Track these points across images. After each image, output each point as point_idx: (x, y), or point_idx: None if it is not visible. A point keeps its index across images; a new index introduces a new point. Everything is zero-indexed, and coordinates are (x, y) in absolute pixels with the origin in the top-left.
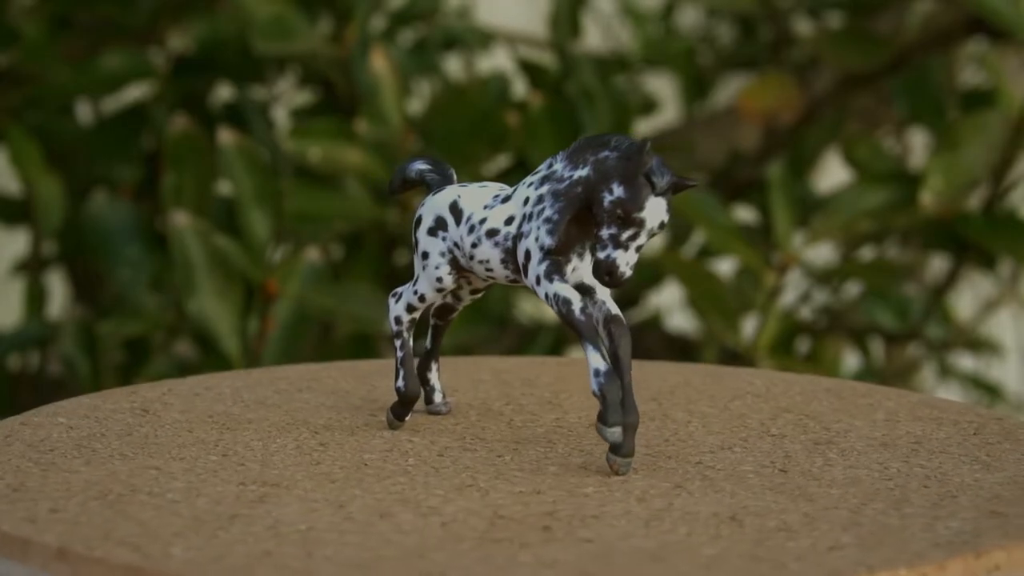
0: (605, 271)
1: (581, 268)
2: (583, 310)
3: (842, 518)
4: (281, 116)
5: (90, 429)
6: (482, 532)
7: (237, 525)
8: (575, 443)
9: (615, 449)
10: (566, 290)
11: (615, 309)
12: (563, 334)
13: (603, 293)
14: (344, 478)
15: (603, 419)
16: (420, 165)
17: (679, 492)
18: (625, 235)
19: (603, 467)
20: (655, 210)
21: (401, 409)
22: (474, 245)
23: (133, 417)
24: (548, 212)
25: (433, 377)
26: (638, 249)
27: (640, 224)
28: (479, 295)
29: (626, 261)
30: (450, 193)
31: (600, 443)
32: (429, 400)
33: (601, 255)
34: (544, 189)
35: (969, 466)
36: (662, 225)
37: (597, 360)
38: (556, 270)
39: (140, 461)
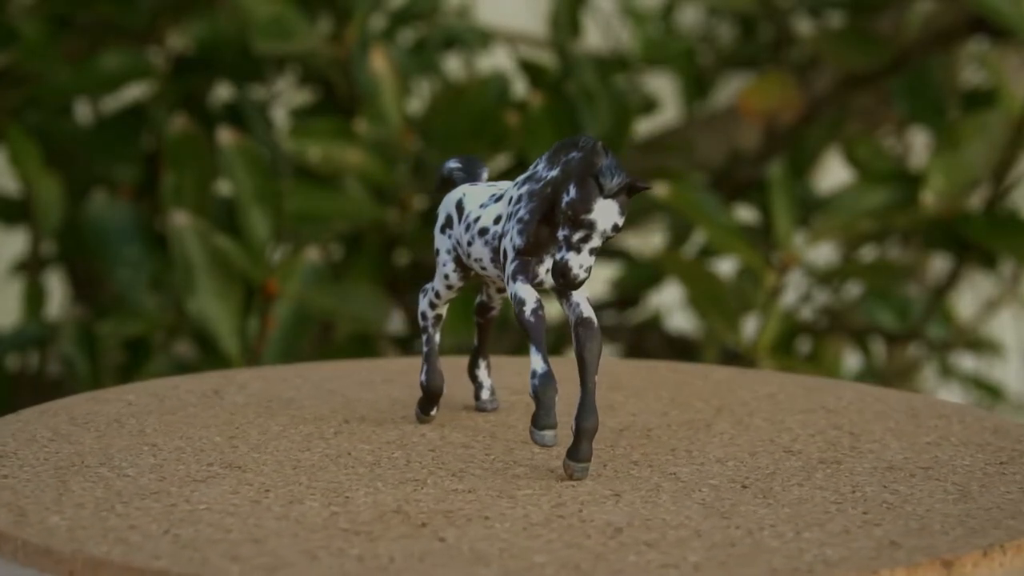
0: (559, 273)
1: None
2: (535, 311)
3: (726, 537)
4: (281, 116)
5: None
6: (350, 525)
7: (148, 500)
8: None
9: (571, 454)
10: (524, 291)
11: (587, 312)
12: (563, 334)
13: (579, 295)
14: (311, 466)
15: (534, 422)
16: (451, 164)
17: (605, 501)
18: (576, 237)
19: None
20: (605, 212)
21: (426, 403)
22: (469, 243)
23: (196, 398)
24: (521, 212)
25: (481, 374)
26: (592, 252)
27: (590, 226)
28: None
29: (579, 263)
30: (458, 192)
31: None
32: (477, 396)
33: (556, 256)
34: (524, 189)
35: (943, 496)
36: (615, 228)
37: (537, 362)
38: (522, 270)
39: (145, 438)
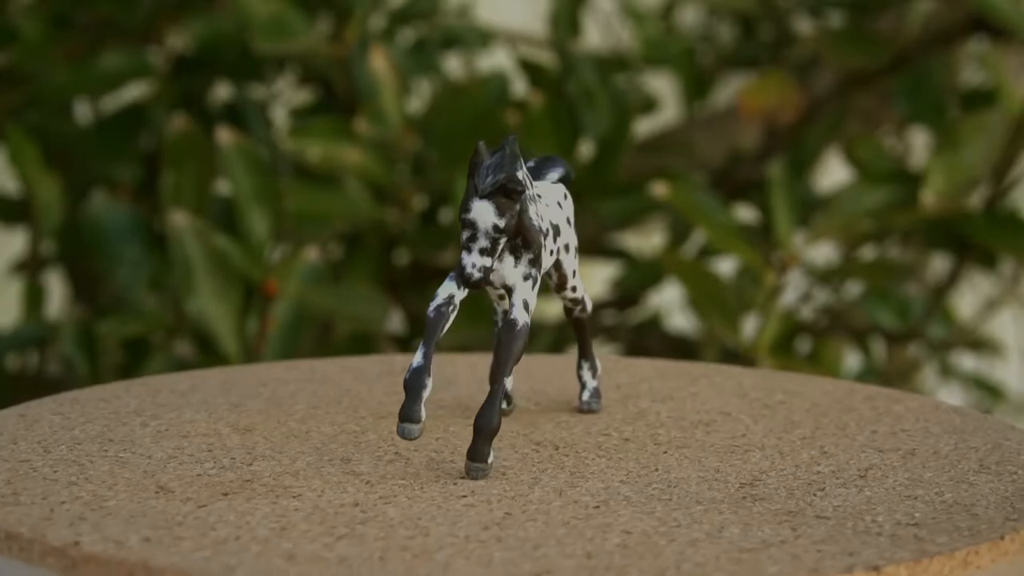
0: (456, 271)
1: (501, 268)
2: (437, 308)
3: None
4: (280, 116)
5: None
6: (260, 522)
7: (85, 472)
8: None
9: (468, 453)
10: (442, 288)
11: (516, 314)
12: (563, 333)
13: (518, 297)
14: (277, 453)
15: (399, 413)
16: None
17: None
18: (464, 236)
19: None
20: (482, 212)
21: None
22: None
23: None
24: None
25: (585, 375)
26: (483, 251)
27: (472, 226)
28: (565, 291)
29: (471, 262)
30: None
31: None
32: (579, 397)
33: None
34: None
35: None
36: (497, 228)
37: (416, 356)
38: (456, 268)
39: (144, 419)
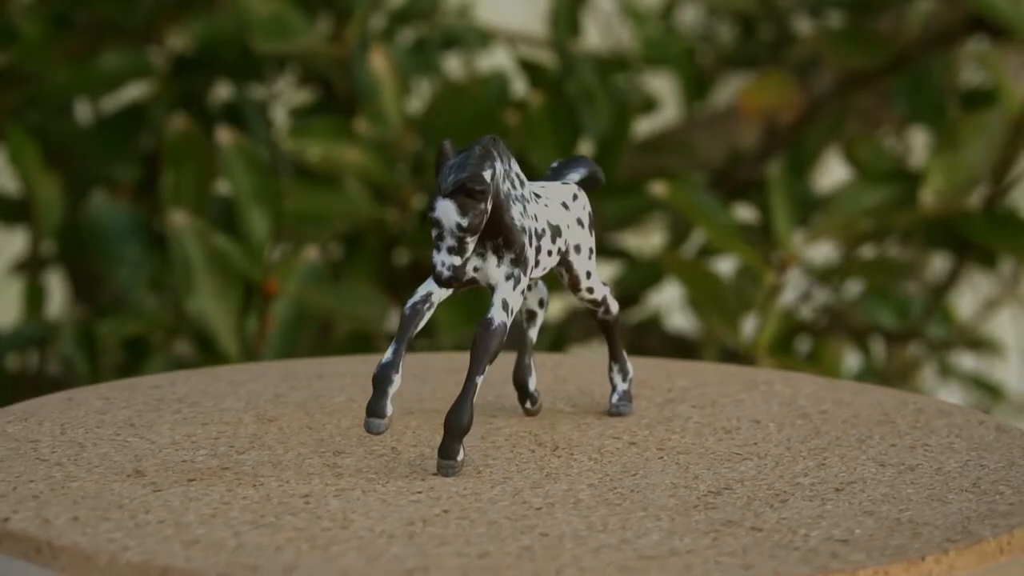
0: (430, 269)
1: (485, 268)
2: (412, 305)
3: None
4: (280, 115)
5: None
6: (204, 510)
7: (79, 454)
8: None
9: (439, 449)
10: (422, 286)
11: (493, 312)
12: (562, 333)
13: (497, 296)
14: (278, 443)
15: (366, 408)
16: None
17: (466, 497)
18: (433, 234)
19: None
20: (445, 211)
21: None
22: None
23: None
24: None
25: (615, 378)
26: (451, 250)
27: (437, 224)
28: (581, 292)
29: (440, 261)
30: None
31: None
32: (610, 399)
33: None
34: None
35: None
36: (460, 227)
37: (387, 351)
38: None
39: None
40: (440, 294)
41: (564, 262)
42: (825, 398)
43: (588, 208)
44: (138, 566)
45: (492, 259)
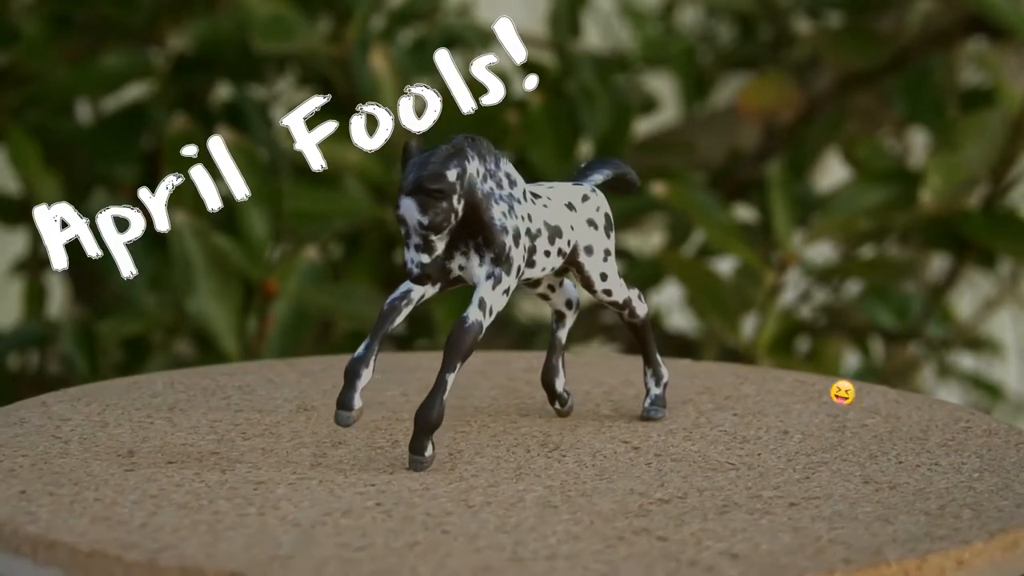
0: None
1: (469, 267)
2: (390, 301)
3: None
4: (281, 115)
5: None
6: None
7: (95, 434)
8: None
9: (409, 446)
10: (404, 283)
11: (469, 311)
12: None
13: (476, 295)
14: (290, 433)
15: (336, 400)
16: (582, 164)
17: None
18: (402, 232)
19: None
20: (408, 209)
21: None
22: None
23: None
24: None
25: (649, 382)
26: (418, 248)
27: (403, 222)
28: (597, 294)
29: (410, 259)
30: None
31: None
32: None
33: None
34: None
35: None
36: (422, 225)
37: (359, 346)
38: None
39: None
40: (421, 292)
41: (574, 263)
42: (881, 411)
43: (604, 210)
44: (33, 537)
45: (475, 258)
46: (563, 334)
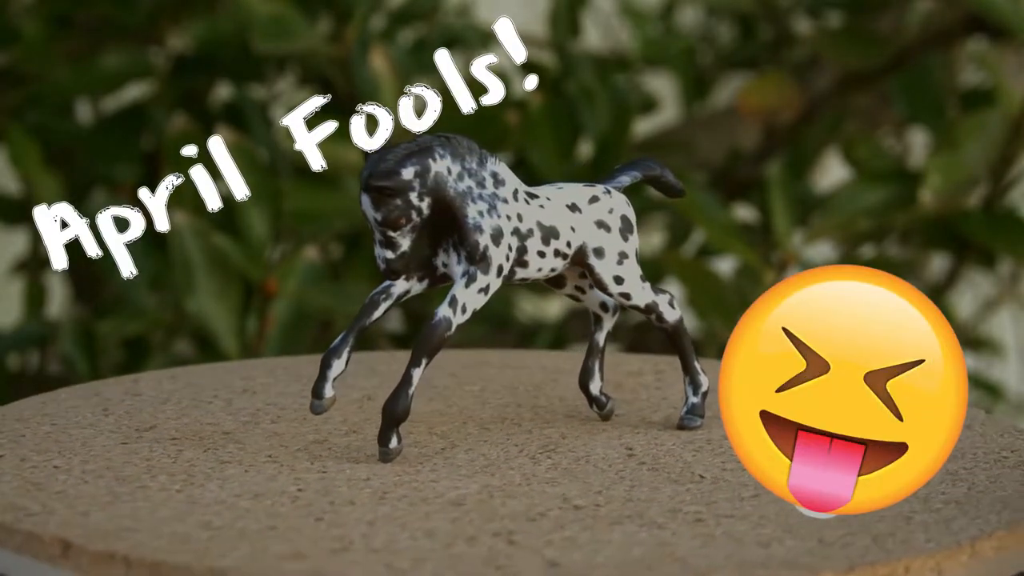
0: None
1: (450, 264)
2: (370, 296)
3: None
4: (281, 115)
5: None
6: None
7: (97, 418)
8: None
9: (378, 436)
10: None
11: (440, 308)
12: (562, 333)
13: (450, 292)
14: (297, 422)
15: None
16: (618, 165)
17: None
18: (370, 227)
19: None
20: (365, 205)
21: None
22: None
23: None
24: None
25: (687, 390)
26: (381, 243)
27: (365, 218)
28: (612, 296)
29: (376, 254)
30: None
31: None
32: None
33: None
34: None
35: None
36: (377, 221)
37: (335, 339)
38: None
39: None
40: (405, 288)
41: (583, 265)
42: None
43: (620, 212)
44: (27, 533)
45: (454, 256)
46: (600, 337)
